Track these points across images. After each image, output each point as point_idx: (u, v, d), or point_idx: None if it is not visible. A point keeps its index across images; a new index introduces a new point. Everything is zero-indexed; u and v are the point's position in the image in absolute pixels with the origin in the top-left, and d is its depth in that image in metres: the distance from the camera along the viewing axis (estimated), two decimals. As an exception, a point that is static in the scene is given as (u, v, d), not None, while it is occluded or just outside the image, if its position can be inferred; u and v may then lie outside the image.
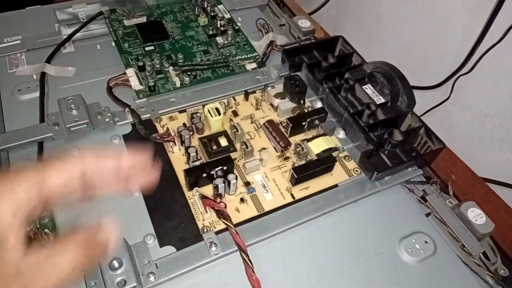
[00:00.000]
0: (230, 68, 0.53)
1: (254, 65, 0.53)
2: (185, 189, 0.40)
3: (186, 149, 0.42)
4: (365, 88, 0.49)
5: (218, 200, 0.39)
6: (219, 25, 0.57)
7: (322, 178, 0.43)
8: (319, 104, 0.50)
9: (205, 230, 0.37)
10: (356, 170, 0.44)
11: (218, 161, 0.40)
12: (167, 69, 0.51)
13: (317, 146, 0.43)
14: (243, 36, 0.58)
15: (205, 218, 0.38)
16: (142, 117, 0.46)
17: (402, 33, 0.70)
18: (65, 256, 0.21)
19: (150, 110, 0.47)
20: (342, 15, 0.84)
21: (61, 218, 0.38)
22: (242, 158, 0.43)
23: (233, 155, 0.43)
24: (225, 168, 0.40)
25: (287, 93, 0.49)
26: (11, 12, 0.59)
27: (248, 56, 0.55)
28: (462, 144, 0.65)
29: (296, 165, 0.42)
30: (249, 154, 0.43)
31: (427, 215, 0.42)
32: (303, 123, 0.46)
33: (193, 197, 0.39)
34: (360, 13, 0.80)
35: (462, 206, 0.41)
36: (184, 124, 0.45)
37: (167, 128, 0.44)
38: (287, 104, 0.48)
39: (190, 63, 0.53)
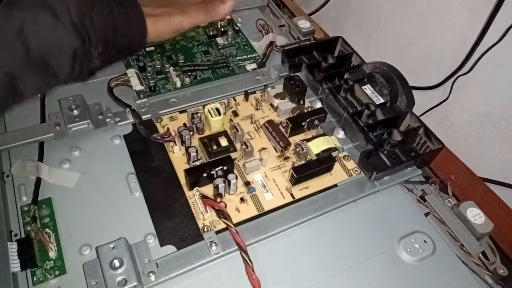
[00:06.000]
0: (230, 68, 0.53)
1: (254, 65, 0.54)
2: (185, 188, 0.41)
3: (187, 149, 0.42)
4: (365, 88, 0.49)
5: (218, 199, 0.39)
6: (219, 25, 0.57)
7: (321, 178, 0.43)
8: (318, 104, 0.50)
9: (205, 230, 0.38)
10: (355, 170, 0.44)
11: (218, 161, 0.40)
12: (167, 70, 0.51)
13: (317, 146, 0.43)
14: (243, 37, 0.58)
15: (205, 217, 0.38)
16: (142, 117, 0.46)
17: (401, 34, 0.70)
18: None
19: (151, 110, 0.47)
20: (342, 15, 0.84)
21: (61, 218, 0.38)
22: (242, 158, 0.43)
23: (233, 155, 0.43)
24: (225, 168, 0.40)
25: (287, 93, 0.49)
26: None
27: (248, 56, 0.55)
28: (461, 144, 0.65)
29: (296, 165, 0.43)
30: (249, 154, 0.43)
31: (426, 214, 0.42)
32: (303, 123, 0.46)
33: (193, 196, 0.40)
34: (359, 14, 0.80)
35: (461, 206, 0.41)
36: (184, 124, 0.46)
37: (168, 128, 0.44)
38: (287, 104, 0.48)
39: (190, 63, 0.53)
